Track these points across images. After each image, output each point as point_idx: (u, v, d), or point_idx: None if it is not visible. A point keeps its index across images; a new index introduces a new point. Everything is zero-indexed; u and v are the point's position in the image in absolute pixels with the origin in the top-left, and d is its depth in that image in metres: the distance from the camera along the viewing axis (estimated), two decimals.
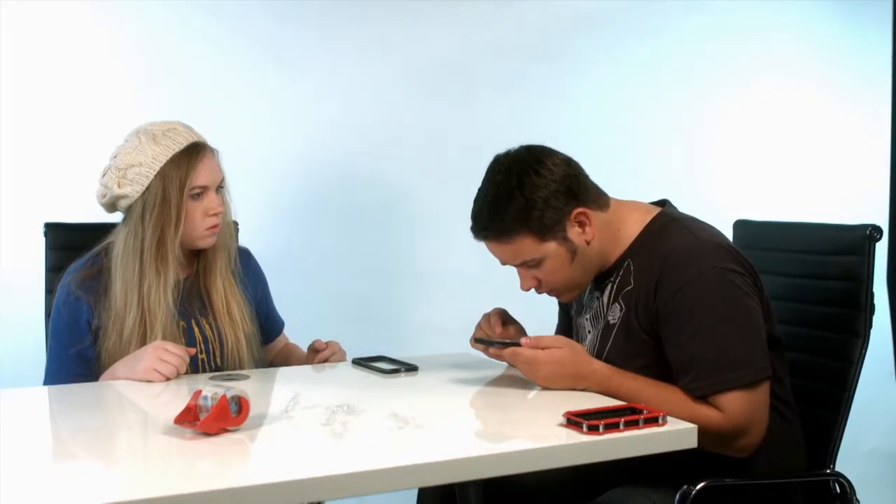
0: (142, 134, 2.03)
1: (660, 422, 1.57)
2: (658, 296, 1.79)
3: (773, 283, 2.07)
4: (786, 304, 2.07)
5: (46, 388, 2.08)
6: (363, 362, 2.09)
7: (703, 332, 1.74)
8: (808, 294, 2.08)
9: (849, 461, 2.00)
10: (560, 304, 2.17)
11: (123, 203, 2.02)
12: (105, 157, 2.24)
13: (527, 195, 1.80)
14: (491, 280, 2.37)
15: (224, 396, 1.50)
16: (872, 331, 1.95)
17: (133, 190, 2.00)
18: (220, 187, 2.07)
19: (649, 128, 3.06)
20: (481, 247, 2.89)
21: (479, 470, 1.50)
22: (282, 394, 1.71)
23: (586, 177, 1.89)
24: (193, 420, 1.52)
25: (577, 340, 2.01)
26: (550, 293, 1.94)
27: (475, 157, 2.88)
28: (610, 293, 1.90)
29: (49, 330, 2.08)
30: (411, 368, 2.03)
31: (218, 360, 2.10)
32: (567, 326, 2.13)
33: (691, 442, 1.58)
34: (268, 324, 2.27)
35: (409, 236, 2.91)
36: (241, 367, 2.10)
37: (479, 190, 1.89)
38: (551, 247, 1.83)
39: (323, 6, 2.78)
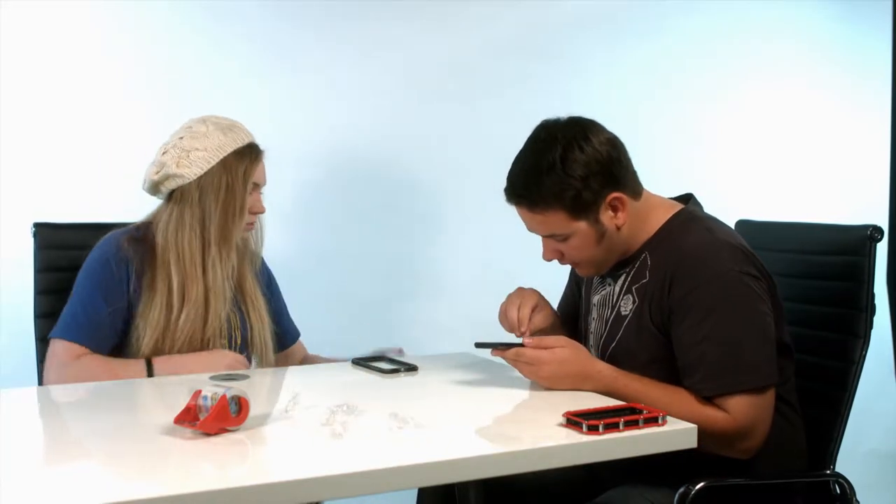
0: (210, 123, 2.10)
1: (659, 422, 1.57)
2: (672, 293, 1.79)
3: None
4: (786, 304, 2.06)
5: (44, 388, 2.08)
6: (363, 362, 2.09)
7: (716, 333, 1.74)
8: (808, 294, 2.08)
9: (849, 462, 1.99)
10: (572, 279, 2.17)
11: (171, 183, 2.06)
12: (98, 158, 2.25)
13: (567, 171, 1.78)
14: (491, 280, 2.37)
15: (224, 396, 1.50)
16: (873, 331, 1.95)
17: (191, 172, 2.05)
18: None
19: (649, 128, 3.06)
20: (481, 247, 2.92)
21: (479, 470, 1.50)
22: (282, 394, 1.71)
23: (628, 161, 1.87)
24: (193, 420, 1.51)
25: (585, 325, 2.01)
26: (571, 265, 1.94)
27: (475, 157, 2.91)
28: (623, 283, 1.90)
29: (80, 282, 2.05)
30: (411, 368, 2.03)
31: (248, 349, 2.14)
32: (572, 302, 2.13)
33: (691, 442, 1.58)
34: (280, 331, 2.28)
35: (409, 236, 2.91)
36: (267, 359, 2.16)
37: (521, 154, 1.86)
38: (581, 226, 1.82)
39: (323, 6, 2.78)
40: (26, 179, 2.51)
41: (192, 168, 2.05)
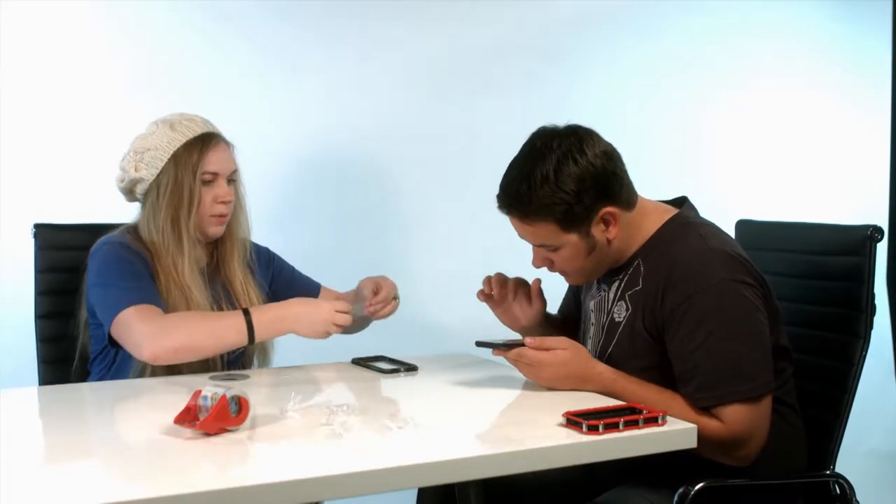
0: (160, 122, 2.11)
1: (659, 422, 1.57)
2: (665, 302, 1.78)
3: (774, 284, 2.06)
4: (786, 304, 2.06)
5: (45, 388, 2.08)
6: (363, 362, 2.09)
7: (710, 342, 1.73)
8: (808, 294, 2.08)
9: (849, 462, 1.99)
10: (570, 287, 2.17)
11: (140, 188, 2.08)
12: (98, 158, 2.24)
13: (560, 185, 1.76)
14: None
15: (224, 396, 1.50)
16: (873, 331, 1.94)
17: (148, 173, 2.05)
18: (231, 179, 2.12)
19: (649, 128, 3.06)
20: (481, 247, 2.91)
21: (479, 470, 1.50)
22: (282, 394, 1.71)
23: (624, 173, 1.85)
24: (193, 420, 1.51)
25: (583, 331, 2.02)
26: (560, 273, 1.94)
27: (474, 157, 2.91)
28: (617, 290, 1.90)
29: (103, 271, 2.00)
30: (411, 368, 2.03)
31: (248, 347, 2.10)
32: (573, 304, 2.14)
33: (691, 442, 1.58)
34: (297, 290, 2.25)
35: (409, 236, 2.91)
36: (265, 351, 2.15)
37: (515, 162, 1.85)
38: (572, 238, 1.82)
39: (323, 6, 2.78)
40: (27, 180, 2.51)
41: (149, 169, 2.05)
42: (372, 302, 2.09)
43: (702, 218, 1.93)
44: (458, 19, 2.92)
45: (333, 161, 2.84)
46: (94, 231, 2.11)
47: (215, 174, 2.08)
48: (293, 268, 2.35)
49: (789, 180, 3.25)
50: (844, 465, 1.95)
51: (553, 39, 3.01)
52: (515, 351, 1.81)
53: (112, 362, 2.05)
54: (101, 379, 2.06)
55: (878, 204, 3.18)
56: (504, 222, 2.06)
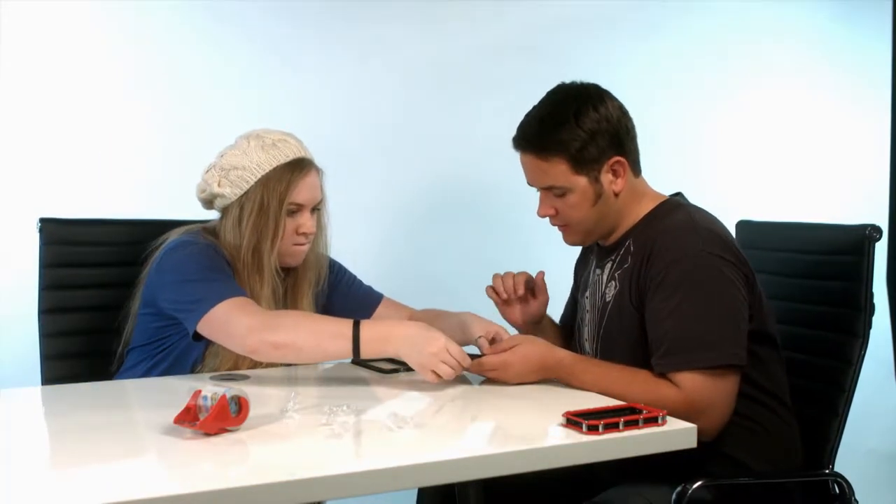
0: (252, 139, 2.03)
1: (659, 422, 1.57)
2: (648, 270, 1.82)
3: (773, 283, 2.07)
4: (785, 304, 2.07)
5: (46, 388, 2.08)
6: (363, 362, 2.09)
7: (680, 310, 1.77)
8: (807, 294, 2.09)
9: (848, 461, 2.00)
10: (571, 293, 2.19)
11: (220, 202, 2.03)
12: (99, 153, 2.23)
13: (579, 124, 1.85)
14: (489, 280, 2.38)
15: (224, 396, 1.50)
16: (872, 331, 1.95)
17: (231, 192, 2.00)
18: (316, 208, 2.08)
19: (649, 129, 3.05)
20: (479, 246, 2.91)
21: (479, 470, 1.50)
22: (282, 394, 1.71)
23: (635, 136, 1.94)
24: (193, 420, 1.52)
25: (580, 321, 2.05)
26: (561, 228, 1.97)
27: (474, 158, 2.91)
28: (609, 271, 1.93)
29: (187, 266, 1.94)
30: (411, 368, 2.03)
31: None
32: (571, 315, 2.15)
33: (690, 442, 1.58)
34: (354, 301, 2.21)
35: (407, 236, 2.91)
36: None
37: (534, 107, 1.93)
38: (581, 182, 1.87)
39: (323, 6, 2.78)
40: (32, 175, 2.51)
41: (233, 188, 2.00)
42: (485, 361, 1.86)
43: (694, 204, 1.96)
44: (458, 19, 2.92)
45: (332, 161, 2.83)
46: (101, 226, 2.10)
47: (301, 205, 2.03)
48: (354, 277, 2.27)
49: (789, 180, 3.25)
50: (844, 464, 1.95)
51: (553, 39, 3.01)
52: (476, 361, 1.85)
53: (156, 352, 2.01)
54: (135, 366, 2.03)
55: (878, 204, 3.18)
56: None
